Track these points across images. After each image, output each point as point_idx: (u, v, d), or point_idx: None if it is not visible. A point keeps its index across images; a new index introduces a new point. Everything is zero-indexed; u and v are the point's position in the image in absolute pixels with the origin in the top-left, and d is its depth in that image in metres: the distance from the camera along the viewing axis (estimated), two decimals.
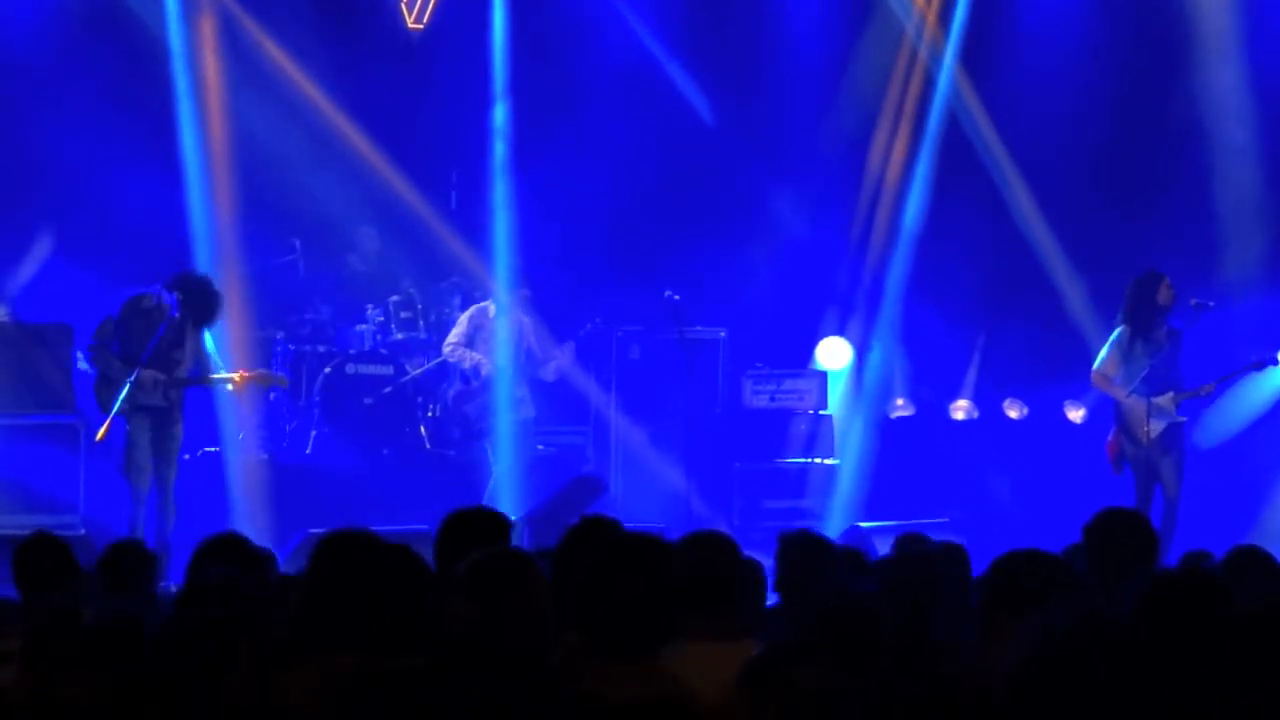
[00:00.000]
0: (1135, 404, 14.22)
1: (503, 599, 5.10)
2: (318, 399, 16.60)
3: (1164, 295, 14.32)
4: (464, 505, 7.40)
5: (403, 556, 5.56)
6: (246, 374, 14.02)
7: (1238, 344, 15.39)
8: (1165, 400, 14.21)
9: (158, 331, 13.49)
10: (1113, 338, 14.50)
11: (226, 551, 7.27)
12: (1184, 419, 14.38)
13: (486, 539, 6.63)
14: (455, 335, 15.97)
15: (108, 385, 13.56)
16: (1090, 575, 6.78)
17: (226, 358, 14.28)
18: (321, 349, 17.02)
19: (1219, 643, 4.75)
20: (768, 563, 7.34)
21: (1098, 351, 14.80)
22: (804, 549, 7.40)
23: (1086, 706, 4.49)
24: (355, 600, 5.44)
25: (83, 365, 15.06)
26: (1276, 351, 15.32)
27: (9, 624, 6.72)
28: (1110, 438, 14.49)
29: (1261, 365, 14.85)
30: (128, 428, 13.58)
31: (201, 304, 13.62)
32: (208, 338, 13.88)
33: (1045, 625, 4.62)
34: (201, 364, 13.78)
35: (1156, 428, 14.18)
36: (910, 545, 7.75)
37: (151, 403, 13.59)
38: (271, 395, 16.42)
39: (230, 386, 13.93)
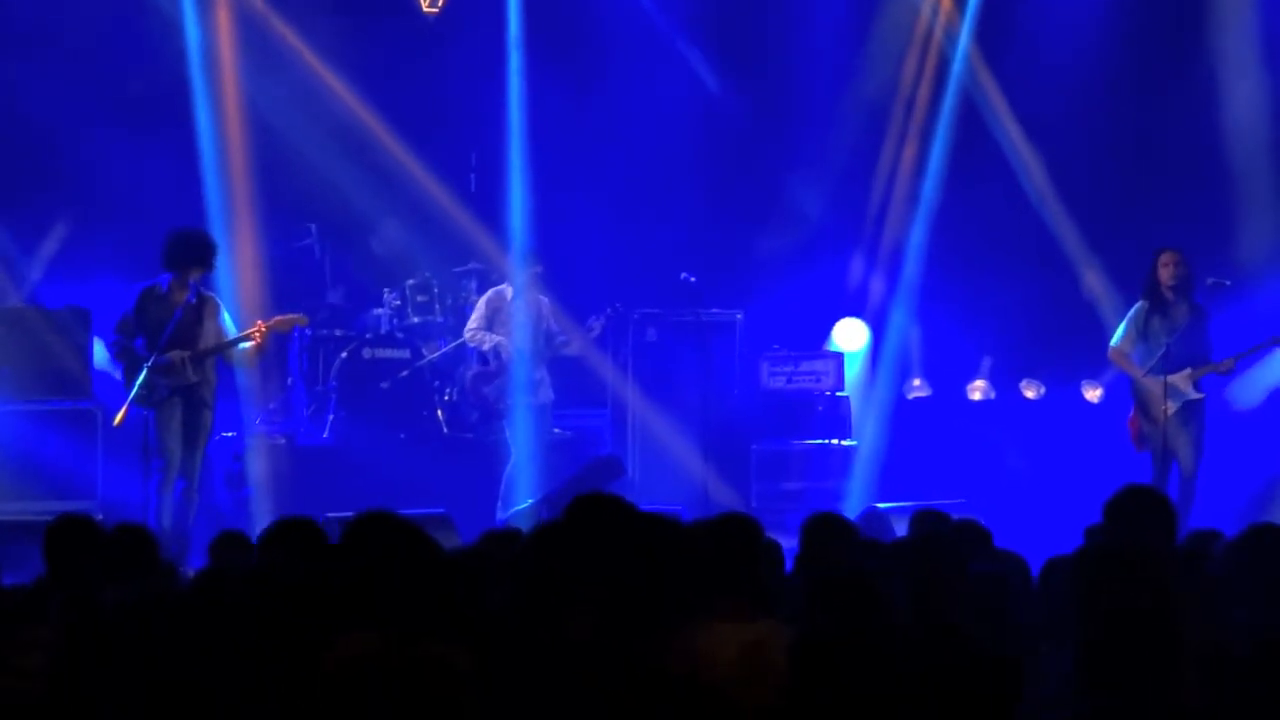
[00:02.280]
0: (1151, 382, 14.23)
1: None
2: (334, 383, 16.62)
3: (1163, 271, 14.32)
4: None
5: (427, 539, 5.57)
6: (264, 325, 13.99)
7: (1257, 321, 15.34)
8: (1181, 377, 14.19)
9: (174, 315, 13.51)
10: (1129, 314, 14.54)
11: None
12: (1202, 395, 14.36)
13: None
14: (474, 320, 15.97)
15: (134, 374, 13.57)
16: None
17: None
18: (338, 333, 17.04)
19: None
20: (787, 544, 7.34)
21: (1114, 330, 14.81)
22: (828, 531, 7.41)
23: None
24: (382, 582, 5.44)
25: (102, 362, 15.08)
26: None
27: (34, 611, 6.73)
28: (1131, 415, 14.50)
29: None
30: (157, 415, 13.58)
31: (199, 251, 13.64)
32: (226, 316, 13.89)
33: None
34: (222, 338, 13.80)
35: (1173, 405, 14.17)
36: (927, 523, 7.75)
37: (181, 382, 13.60)
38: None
39: (253, 343, 13.88)
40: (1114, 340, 14.62)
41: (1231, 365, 14.50)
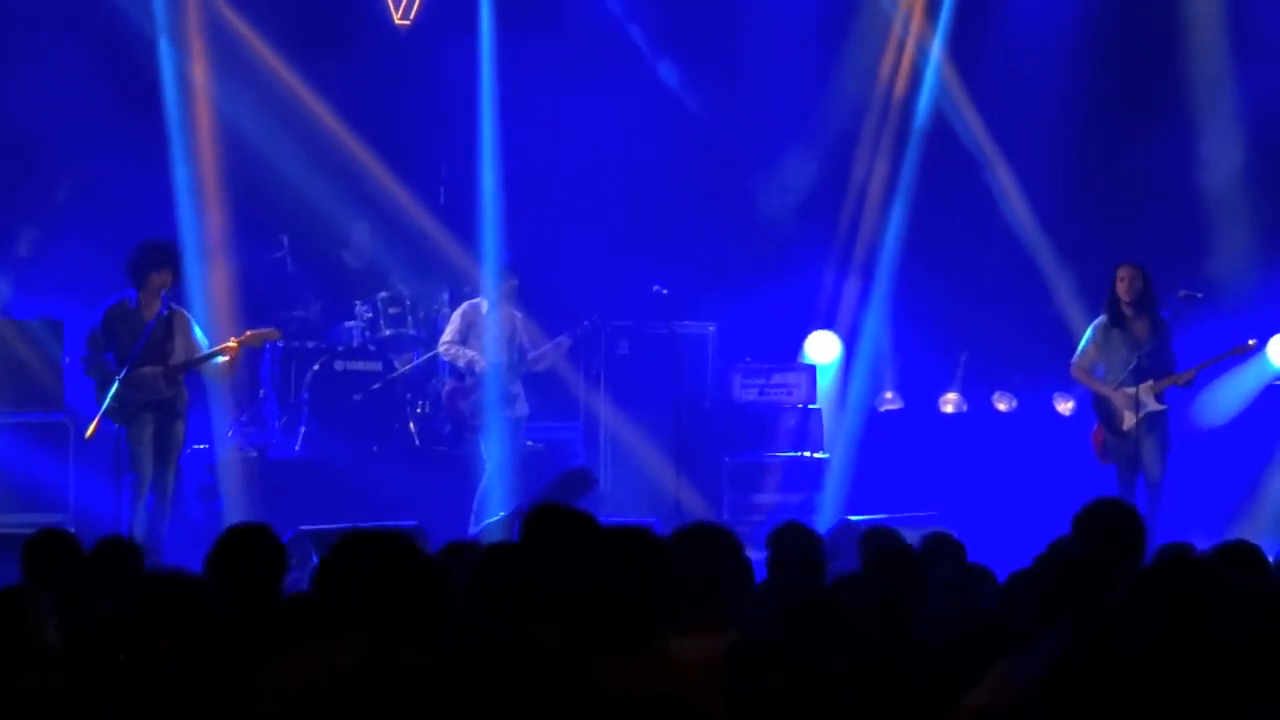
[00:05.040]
0: (1113, 394, 14.32)
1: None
2: (306, 395, 16.60)
3: (1120, 285, 14.41)
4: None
5: (405, 549, 5.56)
6: (237, 340, 14.03)
7: (1229, 337, 15.37)
8: (1144, 389, 14.24)
9: (146, 328, 13.52)
10: (1089, 329, 14.63)
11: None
12: (1165, 407, 14.41)
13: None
14: (449, 334, 15.95)
15: (106, 389, 13.58)
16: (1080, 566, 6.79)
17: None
18: (310, 345, 17.02)
19: (1210, 628, 4.76)
20: (757, 557, 7.34)
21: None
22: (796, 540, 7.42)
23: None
24: (357, 594, 5.44)
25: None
26: (1258, 338, 15.37)
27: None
28: (1095, 429, 14.57)
29: (1244, 351, 14.92)
30: (129, 429, 13.58)
31: (154, 256, 13.69)
32: (198, 330, 13.91)
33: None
34: (194, 353, 13.83)
35: (1133, 419, 14.23)
36: (881, 541, 7.76)
37: (155, 396, 13.62)
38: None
39: (225, 357, 13.90)
40: (1075, 356, 14.72)
41: (1192, 376, 14.55)
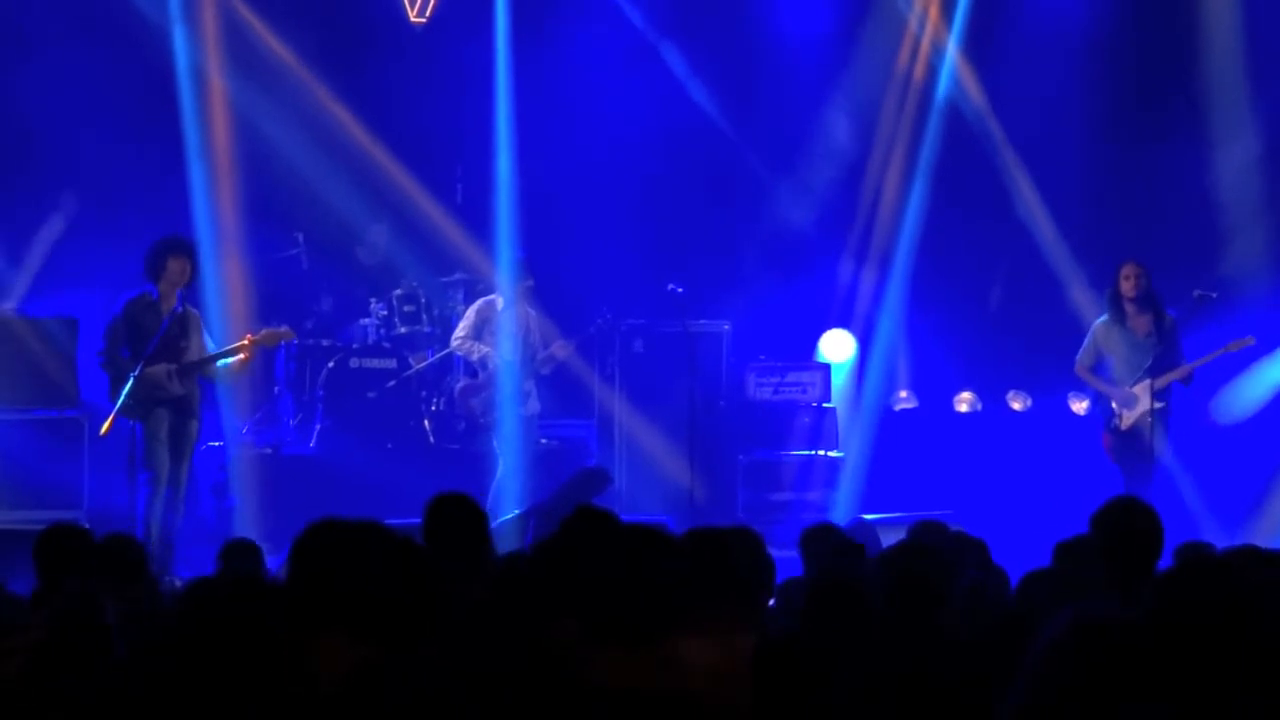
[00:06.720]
0: (1112, 393, 14.34)
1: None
2: (321, 393, 16.62)
3: (1124, 283, 14.41)
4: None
5: (408, 546, 5.55)
6: (252, 338, 14.06)
7: (1241, 332, 15.33)
8: (1141, 387, 14.22)
9: (162, 325, 13.54)
10: (1091, 329, 14.64)
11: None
12: (1163, 404, 14.35)
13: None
14: (463, 329, 15.98)
15: (120, 384, 13.60)
16: (1098, 565, 6.78)
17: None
18: (325, 343, 17.03)
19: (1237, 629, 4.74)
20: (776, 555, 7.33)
21: None
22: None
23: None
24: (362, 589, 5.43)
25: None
26: (1270, 338, 15.35)
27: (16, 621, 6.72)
28: (1103, 428, 14.60)
29: (1240, 346, 14.82)
30: (145, 425, 13.62)
31: (165, 246, 13.74)
32: (206, 335, 13.96)
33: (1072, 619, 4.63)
34: (205, 354, 13.86)
35: (1130, 417, 14.23)
36: (925, 534, 7.75)
37: (169, 394, 13.64)
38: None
39: (241, 355, 13.94)
40: (1078, 355, 14.73)
41: (1189, 373, 14.48)
